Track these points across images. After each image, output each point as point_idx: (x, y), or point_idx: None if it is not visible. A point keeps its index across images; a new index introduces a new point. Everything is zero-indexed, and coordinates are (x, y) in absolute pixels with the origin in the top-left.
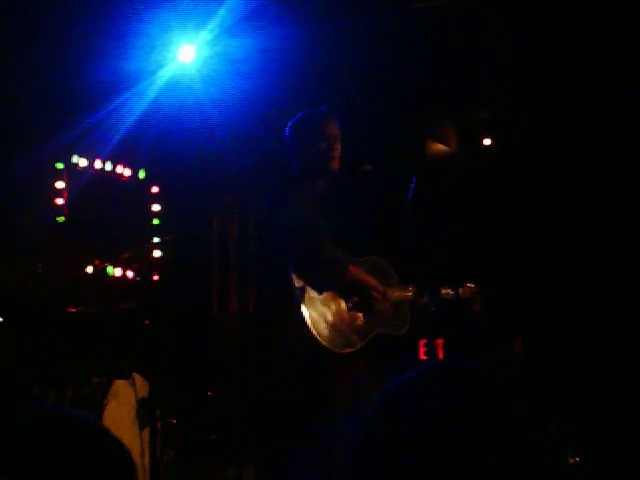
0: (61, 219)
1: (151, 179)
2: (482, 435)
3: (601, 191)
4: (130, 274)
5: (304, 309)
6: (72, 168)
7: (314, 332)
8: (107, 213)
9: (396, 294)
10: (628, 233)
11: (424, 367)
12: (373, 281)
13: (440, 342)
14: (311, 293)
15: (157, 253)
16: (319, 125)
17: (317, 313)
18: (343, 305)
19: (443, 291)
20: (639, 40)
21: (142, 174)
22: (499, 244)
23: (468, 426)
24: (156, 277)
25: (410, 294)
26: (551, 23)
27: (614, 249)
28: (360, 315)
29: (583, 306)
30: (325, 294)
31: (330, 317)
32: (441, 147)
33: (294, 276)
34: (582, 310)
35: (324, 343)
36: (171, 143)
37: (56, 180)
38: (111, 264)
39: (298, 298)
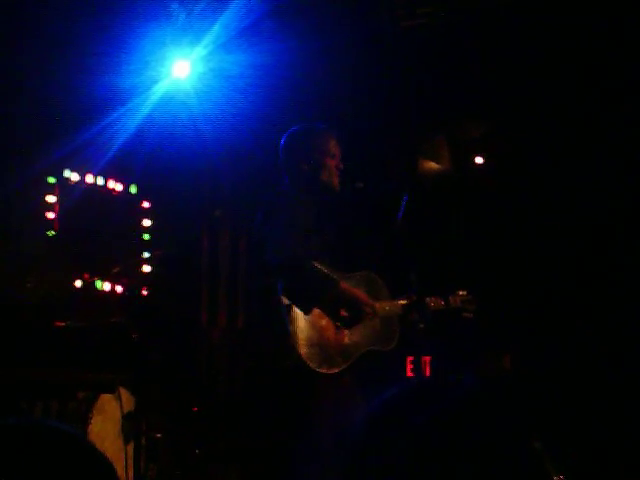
0: (51, 233)
1: (142, 194)
2: (465, 452)
3: (592, 208)
4: (119, 289)
5: (290, 328)
6: (64, 182)
7: (300, 352)
8: (98, 228)
9: (386, 308)
10: (618, 253)
11: (406, 385)
12: (363, 295)
13: (427, 359)
14: (297, 312)
15: (147, 268)
16: (320, 141)
17: (303, 333)
18: (329, 324)
19: (432, 302)
20: (629, 57)
21: (134, 189)
22: (491, 261)
23: (451, 443)
24: (145, 292)
25: (400, 309)
26: (542, 40)
27: (604, 267)
28: (347, 335)
29: (573, 323)
30: (311, 314)
31: (316, 337)
32: (433, 165)
33: (282, 293)
34: (572, 327)
35: (309, 364)
36: (164, 158)
37: (47, 194)
38: (100, 278)
39: (285, 316)
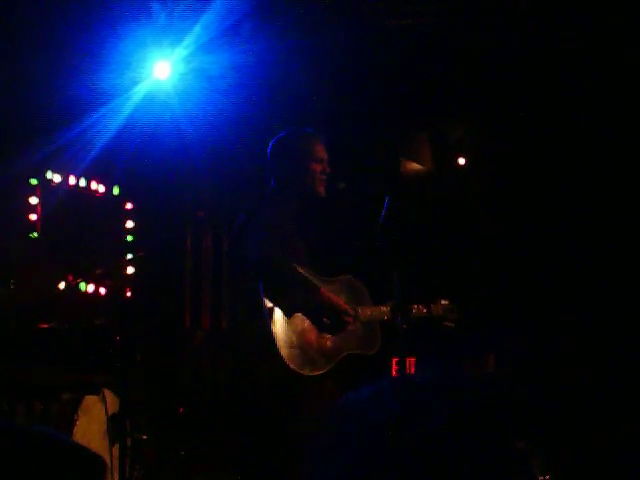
0: (34, 235)
1: (125, 195)
2: (446, 452)
3: (575, 209)
4: (103, 290)
5: (273, 329)
6: (46, 184)
7: (282, 353)
8: (81, 229)
9: (368, 313)
10: (602, 253)
11: (376, 383)
12: (344, 304)
13: (412, 360)
14: (279, 314)
15: (130, 269)
16: (307, 147)
17: (285, 334)
18: (311, 327)
19: (415, 309)
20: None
21: (116, 190)
22: (474, 262)
23: (421, 442)
24: (129, 293)
25: (382, 314)
26: (527, 39)
27: (586, 269)
28: (329, 337)
29: (556, 323)
30: (294, 316)
31: (297, 339)
32: (415, 165)
33: (264, 296)
34: (555, 326)
35: (291, 365)
36: (146, 159)
37: (30, 196)
38: (84, 280)
39: (267, 317)
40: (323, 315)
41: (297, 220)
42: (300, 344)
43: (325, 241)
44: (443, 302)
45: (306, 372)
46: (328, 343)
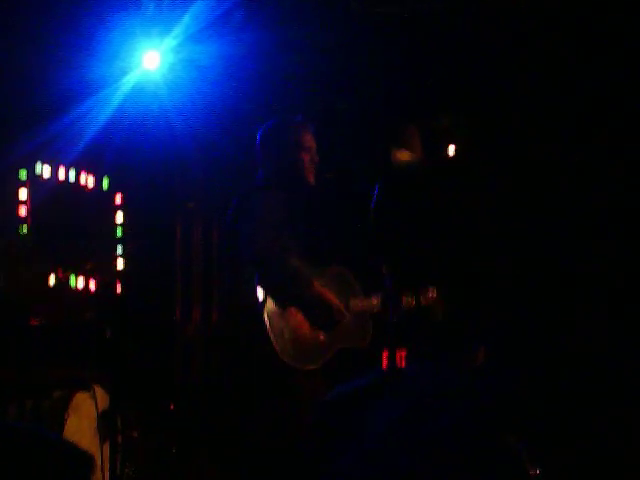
0: (23, 230)
1: (114, 187)
2: (438, 445)
3: (565, 199)
4: (93, 285)
5: (266, 323)
6: (35, 178)
7: (275, 347)
8: (70, 223)
9: (359, 305)
10: (589, 246)
11: (363, 378)
12: (335, 301)
13: (403, 353)
14: (272, 307)
15: (120, 263)
16: (296, 136)
17: (278, 328)
18: (304, 320)
19: (404, 299)
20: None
21: (106, 183)
22: (464, 251)
23: (424, 436)
24: (119, 288)
25: (373, 305)
26: (517, 33)
27: (578, 260)
28: (322, 331)
29: (547, 316)
30: (287, 309)
31: (291, 333)
32: (405, 154)
33: (257, 289)
34: (546, 320)
35: (285, 359)
36: (135, 150)
37: (19, 190)
38: (74, 275)
39: (260, 310)
40: (316, 310)
41: (287, 210)
42: (294, 337)
43: (315, 231)
44: (430, 293)
45: (300, 366)
46: (321, 337)
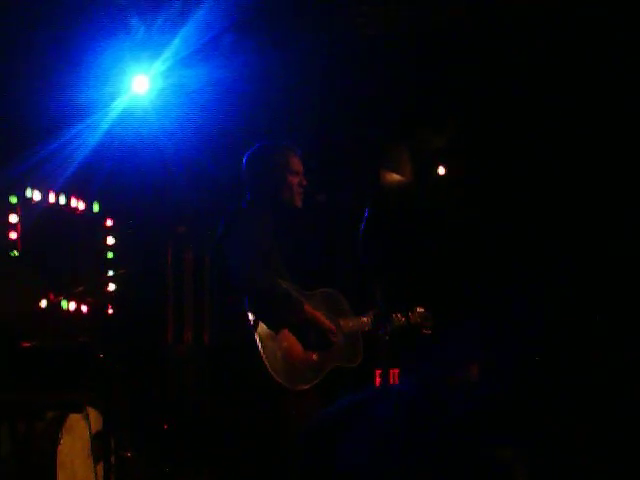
0: (15, 253)
1: (105, 211)
2: (432, 460)
3: (557, 216)
4: (84, 308)
5: (258, 344)
6: (26, 202)
7: (268, 368)
8: (61, 247)
9: (350, 325)
10: (582, 261)
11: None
12: (327, 322)
13: (395, 372)
14: (264, 328)
15: (112, 286)
16: (283, 159)
17: (270, 349)
18: (296, 341)
19: (395, 318)
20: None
21: (96, 207)
22: (453, 270)
23: (417, 453)
24: (110, 310)
25: (363, 324)
26: (506, 49)
27: (571, 276)
28: (314, 351)
29: (539, 331)
30: (279, 331)
31: (283, 353)
32: (395, 176)
33: (249, 309)
34: (540, 333)
35: (278, 380)
36: (125, 175)
37: (9, 214)
38: (65, 298)
39: (252, 331)
40: (310, 333)
41: (275, 233)
42: (286, 358)
43: (303, 254)
44: (419, 310)
45: (293, 387)
46: (314, 357)
